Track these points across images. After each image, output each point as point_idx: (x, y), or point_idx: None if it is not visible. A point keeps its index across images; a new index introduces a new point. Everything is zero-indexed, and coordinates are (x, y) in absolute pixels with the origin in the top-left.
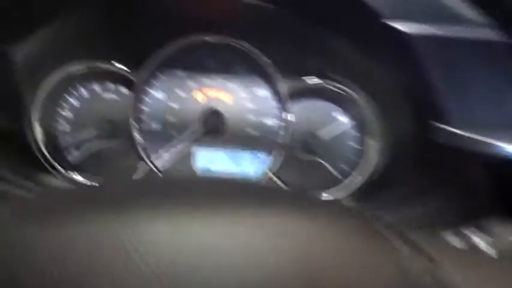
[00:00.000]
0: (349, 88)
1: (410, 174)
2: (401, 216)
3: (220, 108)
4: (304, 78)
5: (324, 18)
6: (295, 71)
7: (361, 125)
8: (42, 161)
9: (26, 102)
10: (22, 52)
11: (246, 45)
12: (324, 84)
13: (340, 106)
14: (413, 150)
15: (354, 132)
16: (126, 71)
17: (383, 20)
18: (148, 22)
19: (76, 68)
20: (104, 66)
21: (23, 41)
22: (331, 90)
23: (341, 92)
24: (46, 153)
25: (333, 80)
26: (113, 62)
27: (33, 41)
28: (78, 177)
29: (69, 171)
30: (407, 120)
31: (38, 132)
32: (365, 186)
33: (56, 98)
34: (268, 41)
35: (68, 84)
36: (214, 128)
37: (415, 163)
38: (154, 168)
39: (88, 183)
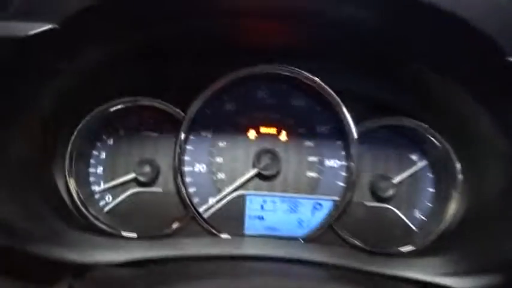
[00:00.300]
0: (437, 131)
1: (494, 228)
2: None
3: (274, 146)
4: (375, 113)
5: (435, 55)
6: (366, 105)
7: (440, 169)
8: (72, 208)
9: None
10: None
11: (307, 76)
12: (405, 123)
13: (418, 147)
14: (500, 203)
15: (430, 175)
16: (170, 106)
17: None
18: (196, 54)
19: (111, 104)
20: (146, 101)
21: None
22: (412, 129)
23: (424, 132)
24: (76, 198)
25: (421, 120)
26: (155, 97)
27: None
28: (110, 228)
29: (101, 220)
30: (500, 173)
31: (70, 171)
32: (442, 238)
33: (89, 137)
34: (335, 72)
35: (103, 121)
36: (267, 169)
37: (502, 216)
38: (200, 218)
39: (123, 234)
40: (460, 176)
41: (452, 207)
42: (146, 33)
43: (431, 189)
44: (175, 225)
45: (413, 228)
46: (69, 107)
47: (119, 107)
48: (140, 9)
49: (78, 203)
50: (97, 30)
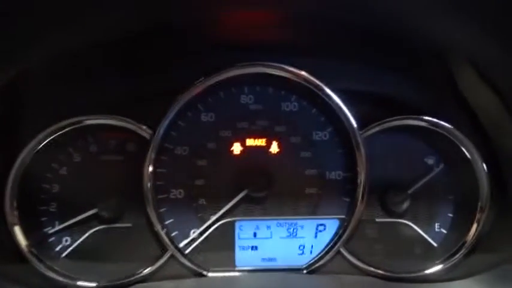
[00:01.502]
0: (459, 130)
1: None
2: None
3: (264, 161)
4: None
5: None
6: (371, 105)
7: (461, 173)
8: (19, 260)
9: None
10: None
11: (299, 74)
12: (419, 123)
13: (434, 150)
14: None
15: (449, 181)
16: (133, 123)
17: None
18: (163, 56)
19: (56, 126)
20: (99, 119)
21: None
22: (427, 130)
23: (444, 133)
24: (22, 243)
25: (439, 118)
26: (113, 113)
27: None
28: (68, 279)
29: (57, 271)
30: None
31: (12, 213)
32: (470, 254)
33: (35, 168)
34: (332, 67)
35: (55, 146)
36: (258, 190)
37: None
38: (181, 256)
39: (82, 283)
40: (486, 181)
41: (479, 217)
42: (103, 36)
43: (451, 197)
44: (149, 268)
45: (434, 244)
46: (6, 132)
47: (67, 129)
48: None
49: (25, 251)
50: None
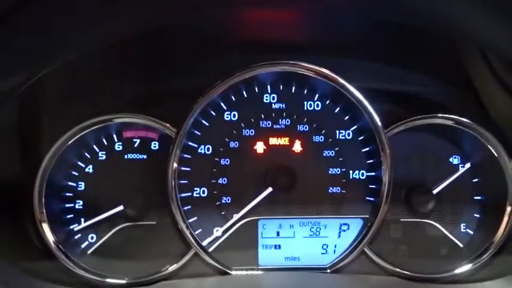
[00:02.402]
0: (484, 128)
1: None
2: None
3: (287, 160)
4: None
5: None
6: (395, 104)
7: (487, 173)
8: (47, 257)
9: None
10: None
11: (322, 72)
12: (444, 121)
13: (459, 149)
14: None
15: (475, 181)
16: (158, 121)
17: None
18: (187, 54)
19: (84, 125)
20: (125, 118)
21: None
22: (452, 128)
23: (469, 131)
24: (50, 239)
25: (464, 116)
26: (138, 112)
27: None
28: (94, 276)
29: (83, 267)
30: None
31: (40, 210)
32: (498, 254)
33: (62, 166)
34: (355, 66)
35: (78, 144)
36: (281, 189)
37: None
38: (204, 254)
39: (109, 280)
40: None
41: (507, 217)
42: (120, 31)
43: (478, 198)
44: (174, 266)
45: (460, 244)
46: (34, 132)
47: (95, 127)
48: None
49: (54, 250)
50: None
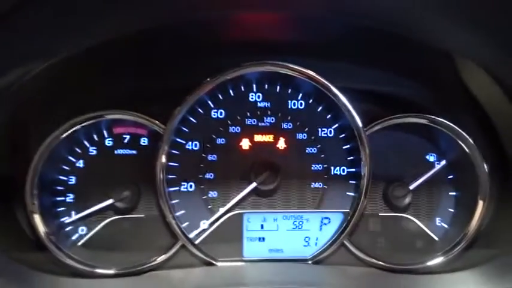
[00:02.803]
0: (460, 127)
1: None
2: None
3: (271, 157)
4: (384, 112)
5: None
6: (374, 103)
7: (462, 170)
8: (38, 247)
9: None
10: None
11: (305, 73)
12: (421, 120)
13: (435, 147)
14: None
15: (450, 177)
16: (147, 118)
17: None
18: (176, 54)
19: (75, 120)
20: (116, 115)
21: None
22: (428, 127)
23: (445, 130)
24: (41, 230)
25: (440, 116)
26: (128, 109)
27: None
28: (85, 266)
29: (74, 258)
30: None
31: (32, 202)
32: (470, 247)
33: (54, 160)
34: (336, 67)
35: (70, 139)
36: (266, 183)
37: None
38: (191, 245)
39: (98, 271)
40: (486, 177)
41: (478, 212)
42: (110, 32)
43: (452, 193)
44: (161, 257)
45: (435, 238)
46: (26, 127)
47: (85, 124)
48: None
49: (45, 241)
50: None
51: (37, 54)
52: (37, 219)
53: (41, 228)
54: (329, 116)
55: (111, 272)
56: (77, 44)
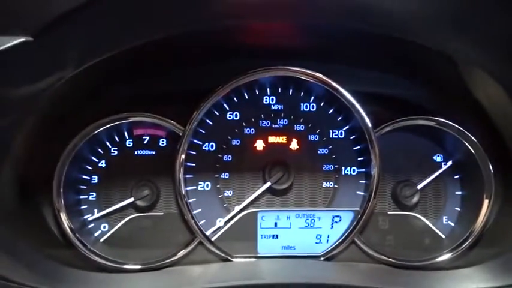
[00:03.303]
0: (465, 129)
1: None
2: None
3: (285, 157)
4: (393, 114)
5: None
6: (383, 106)
7: (467, 170)
8: (64, 243)
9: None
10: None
11: (317, 76)
12: (428, 122)
13: (441, 148)
14: None
15: (456, 177)
16: (167, 120)
17: None
18: (194, 61)
19: (99, 122)
20: (138, 117)
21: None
22: (435, 129)
23: (451, 132)
24: (67, 227)
25: (446, 118)
26: (148, 111)
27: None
28: (107, 262)
29: (97, 253)
30: None
31: (58, 201)
32: (476, 244)
33: (78, 160)
34: (346, 71)
35: (93, 140)
36: (279, 183)
37: None
38: (208, 242)
39: (121, 266)
40: (491, 176)
41: (484, 210)
42: (137, 39)
43: (459, 192)
44: (180, 253)
45: (442, 235)
46: (49, 131)
47: (109, 125)
48: (133, 11)
49: (71, 236)
50: (78, 39)
51: (71, 61)
52: (63, 216)
53: (67, 225)
54: (340, 118)
55: (132, 267)
56: (109, 50)
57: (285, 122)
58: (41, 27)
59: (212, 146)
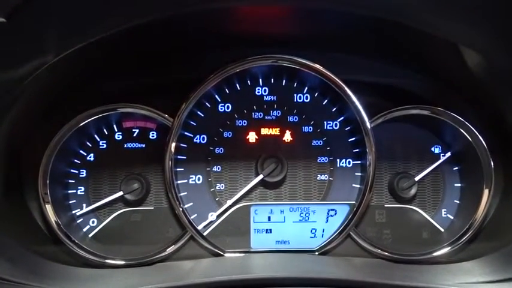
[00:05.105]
0: (466, 119)
1: None
2: None
3: (278, 149)
4: (388, 104)
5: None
6: (378, 95)
7: (467, 161)
8: (50, 238)
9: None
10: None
11: (311, 66)
12: (425, 112)
13: (440, 139)
14: None
15: (455, 169)
16: (156, 112)
17: None
18: (183, 49)
19: (86, 114)
20: (127, 109)
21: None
22: (433, 119)
23: (450, 122)
24: (53, 221)
25: (445, 108)
26: (138, 103)
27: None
28: (95, 257)
29: (85, 249)
30: None
31: (45, 194)
32: (475, 238)
33: (65, 154)
34: (340, 59)
35: (81, 133)
36: (272, 176)
37: None
38: (199, 237)
39: (109, 261)
40: (491, 168)
41: (484, 202)
42: (117, 25)
43: (458, 185)
44: (171, 248)
45: (441, 229)
46: (36, 121)
47: (96, 117)
48: None
49: (57, 231)
50: (55, 23)
51: (51, 46)
52: (49, 209)
53: (53, 218)
54: (334, 109)
55: (120, 262)
56: (91, 35)
57: (278, 113)
58: (12, 6)
59: (203, 139)
